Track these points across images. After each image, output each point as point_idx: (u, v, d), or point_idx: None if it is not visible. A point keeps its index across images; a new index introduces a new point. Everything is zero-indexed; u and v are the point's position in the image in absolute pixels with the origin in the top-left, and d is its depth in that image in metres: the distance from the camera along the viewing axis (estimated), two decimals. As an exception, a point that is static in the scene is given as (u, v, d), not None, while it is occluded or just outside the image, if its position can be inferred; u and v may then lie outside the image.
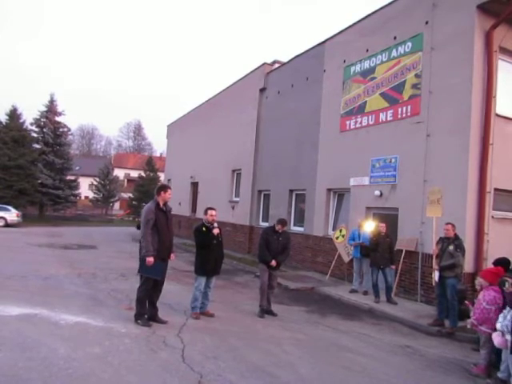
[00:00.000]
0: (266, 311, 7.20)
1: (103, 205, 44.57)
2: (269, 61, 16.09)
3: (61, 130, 32.95)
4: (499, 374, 4.81)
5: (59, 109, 33.04)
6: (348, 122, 11.44)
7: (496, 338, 4.88)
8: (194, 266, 6.76)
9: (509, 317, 4.78)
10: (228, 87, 19.02)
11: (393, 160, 9.86)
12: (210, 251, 6.54)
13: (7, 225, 22.77)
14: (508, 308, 4.85)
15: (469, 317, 5.67)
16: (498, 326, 4.88)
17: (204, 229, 6.61)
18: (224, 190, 18.24)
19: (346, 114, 11.54)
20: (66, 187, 31.86)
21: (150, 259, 5.70)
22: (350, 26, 11.71)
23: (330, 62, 12.39)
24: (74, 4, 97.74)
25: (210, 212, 6.67)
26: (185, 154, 23.47)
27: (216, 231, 6.61)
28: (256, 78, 16.38)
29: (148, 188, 35.29)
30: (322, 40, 12.87)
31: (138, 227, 10.84)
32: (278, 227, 7.24)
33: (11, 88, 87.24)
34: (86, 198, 47.76)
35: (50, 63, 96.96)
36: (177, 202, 22.07)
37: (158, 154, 65.82)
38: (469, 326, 5.59)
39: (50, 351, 4.50)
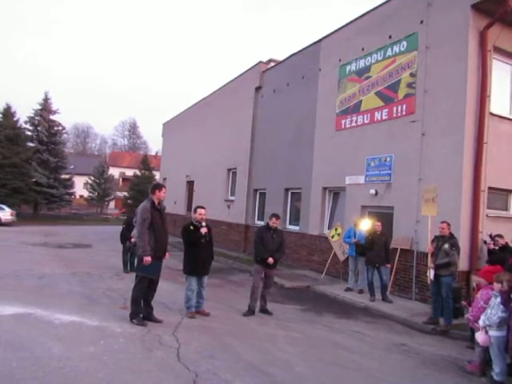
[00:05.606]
0: (261, 310, 7.19)
1: (98, 204, 44.35)
2: (264, 59, 16.07)
3: (55, 128, 32.76)
4: (495, 377, 4.72)
5: (54, 107, 32.95)
6: (343, 121, 11.45)
7: (480, 337, 4.90)
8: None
9: (492, 311, 4.78)
10: (224, 86, 18.98)
11: (388, 159, 9.89)
12: (198, 250, 6.47)
13: (1, 224, 22.57)
14: (492, 304, 4.85)
15: (463, 315, 5.71)
16: (481, 322, 4.90)
17: (192, 227, 6.57)
18: (220, 188, 18.20)
19: (342, 113, 11.55)
20: (60, 186, 31.70)
21: (148, 258, 5.67)
22: (346, 25, 11.71)
23: (326, 60, 12.40)
24: (71, 4, 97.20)
25: (199, 211, 6.64)
26: (180, 153, 23.39)
27: (204, 230, 6.54)
28: (252, 77, 16.35)
29: (143, 187, 35.09)
30: (318, 39, 12.87)
31: (125, 228, 10.79)
32: (271, 221, 7.21)
33: (4, 86, 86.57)
34: (81, 196, 47.46)
35: (45, 61, 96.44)
36: (172, 200, 22.01)
37: (153, 153, 65.61)
38: (466, 319, 5.63)
39: (44, 351, 4.48)
